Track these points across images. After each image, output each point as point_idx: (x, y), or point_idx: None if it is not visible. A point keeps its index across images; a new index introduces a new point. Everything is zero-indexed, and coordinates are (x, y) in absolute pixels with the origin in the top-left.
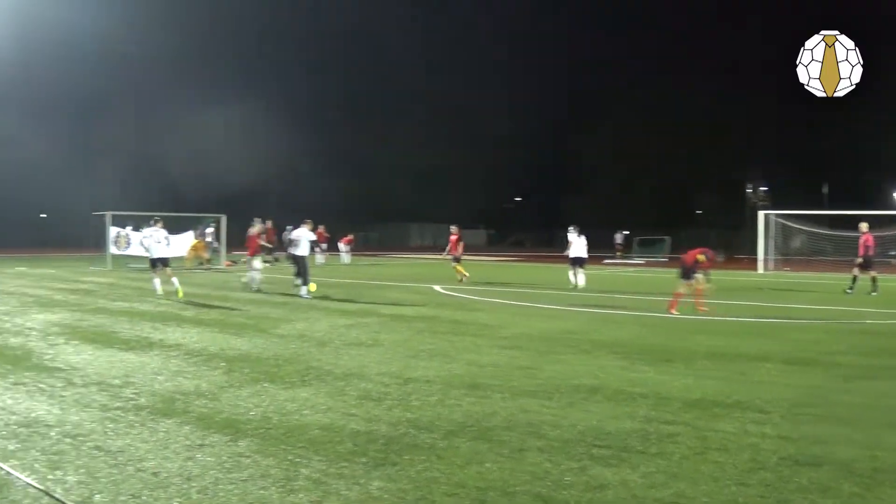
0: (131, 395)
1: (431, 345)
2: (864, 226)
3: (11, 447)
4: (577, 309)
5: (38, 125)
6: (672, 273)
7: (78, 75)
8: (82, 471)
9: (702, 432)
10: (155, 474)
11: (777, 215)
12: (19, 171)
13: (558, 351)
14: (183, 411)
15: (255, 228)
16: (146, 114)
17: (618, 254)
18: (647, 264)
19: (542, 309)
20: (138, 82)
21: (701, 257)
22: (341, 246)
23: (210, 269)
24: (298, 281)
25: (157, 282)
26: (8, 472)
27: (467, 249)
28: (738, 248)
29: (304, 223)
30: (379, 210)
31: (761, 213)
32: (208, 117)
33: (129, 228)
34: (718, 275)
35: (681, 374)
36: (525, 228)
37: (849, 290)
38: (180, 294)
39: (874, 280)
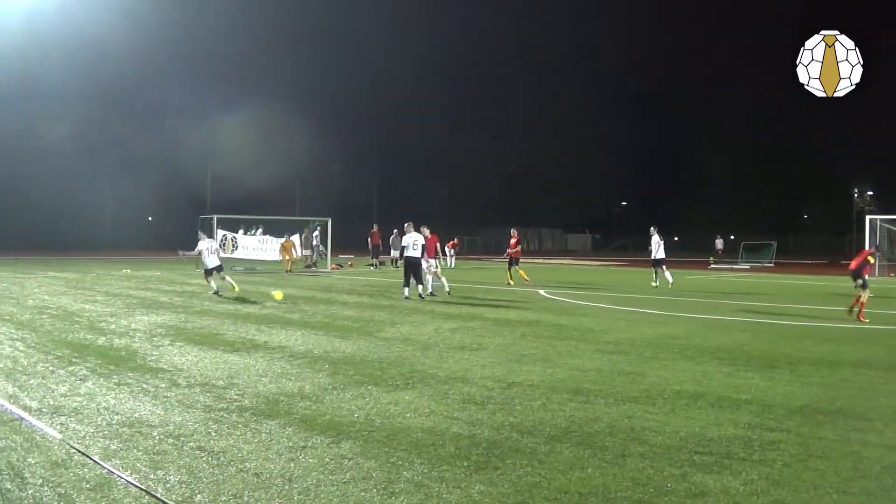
0: (235, 397)
1: (535, 349)
2: None
3: (114, 447)
4: (681, 314)
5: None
6: (777, 278)
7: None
8: (184, 471)
9: (804, 439)
10: (257, 475)
11: (883, 220)
12: (125, 174)
13: (662, 356)
14: (286, 413)
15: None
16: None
17: (711, 259)
18: (753, 270)
19: (645, 314)
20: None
21: (871, 259)
22: (446, 250)
23: (316, 272)
24: (419, 288)
25: (213, 284)
26: (110, 472)
27: (572, 254)
28: (843, 254)
29: (408, 226)
30: (484, 214)
31: (868, 218)
32: (294, 122)
33: (245, 232)
34: (824, 280)
35: (785, 381)
36: (630, 232)
37: None
38: (236, 290)
39: None
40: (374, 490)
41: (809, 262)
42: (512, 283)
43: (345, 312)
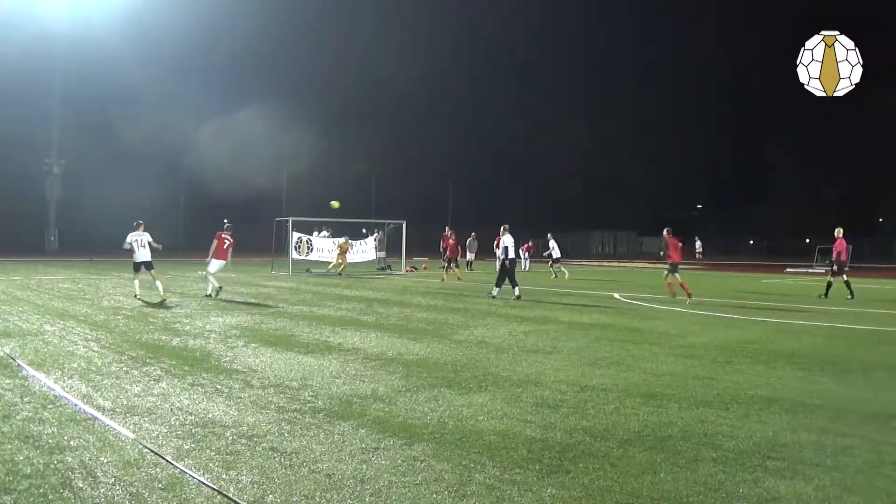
0: (308, 398)
1: (609, 353)
2: (838, 231)
3: (187, 447)
4: (756, 318)
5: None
6: (853, 282)
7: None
8: (256, 471)
9: (878, 445)
10: (329, 476)
11: None
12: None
13: (736, 361)
14: (359, 414)
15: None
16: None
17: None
18: (828, 273)
19: (720, 318)
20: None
21: None
22: (521, 252)
23: (391, 273)
24: (495, 291)
25: (136, 283)
26: (182, 471)
27: (648, 256)
28: None
29: (505, 229)
30: (560, 217)
31: None
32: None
33: (321, 233)
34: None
35: (859, 386)
36: (706, 236)
37: (823, 296)
38: (162, 295)
39: (846, 283)
40: (446, 492)
41: (885, 265)
42: (445, 280)
43: (419, 315)
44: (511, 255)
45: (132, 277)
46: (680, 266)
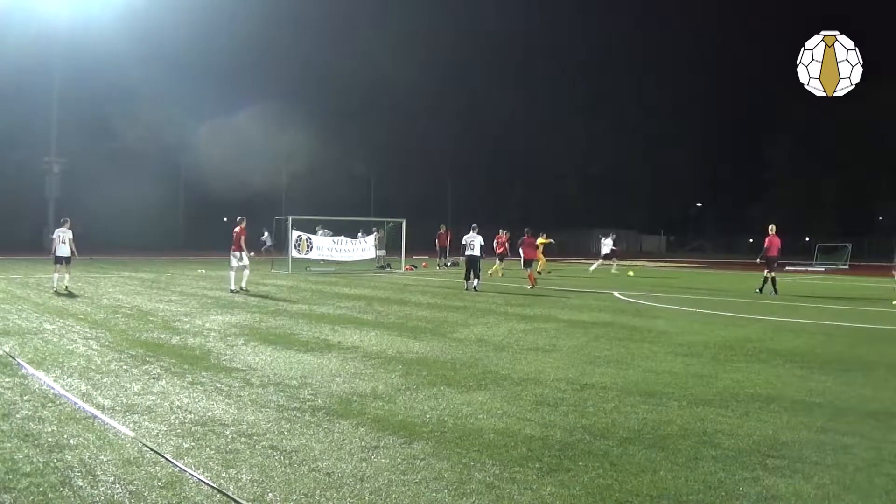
0: (308, 396)
1: (608, 351)
2: (771, 228)
3: (186, 445)
4: (755, 317)
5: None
6: (852, 281)
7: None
8: (256, 469)
9: (877, 444)
10: (328, 474)
11: None
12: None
13: (735, 359)
14: (359, 413)
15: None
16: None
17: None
18: (828, 272)
19: (719, 316)
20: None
21: None
22: (521, 251)
23: (391, 272)
24: (474, 282)
25: (56, 276)
26: (182, 470)
27: (646, 255)
28: None
29: (473, 228)
30: (561, 216)
31: None
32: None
33: (321, 231)
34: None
35: (859, 384)
36: (706, 234)
37: (758, 290)
38: (63, 290)
39: (771, 280)
40: (446, 491)
41: (885, 264)
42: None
43: (418, 313)
44: (471, 252)
45: (53, 272)
46: (533, 262)
